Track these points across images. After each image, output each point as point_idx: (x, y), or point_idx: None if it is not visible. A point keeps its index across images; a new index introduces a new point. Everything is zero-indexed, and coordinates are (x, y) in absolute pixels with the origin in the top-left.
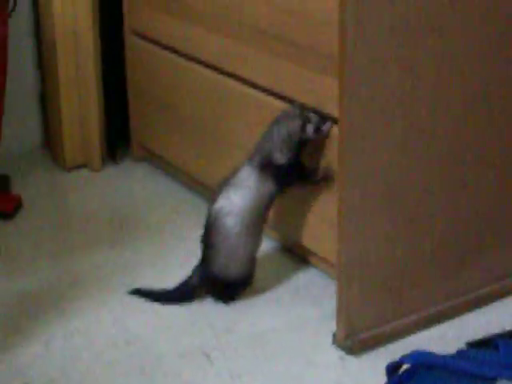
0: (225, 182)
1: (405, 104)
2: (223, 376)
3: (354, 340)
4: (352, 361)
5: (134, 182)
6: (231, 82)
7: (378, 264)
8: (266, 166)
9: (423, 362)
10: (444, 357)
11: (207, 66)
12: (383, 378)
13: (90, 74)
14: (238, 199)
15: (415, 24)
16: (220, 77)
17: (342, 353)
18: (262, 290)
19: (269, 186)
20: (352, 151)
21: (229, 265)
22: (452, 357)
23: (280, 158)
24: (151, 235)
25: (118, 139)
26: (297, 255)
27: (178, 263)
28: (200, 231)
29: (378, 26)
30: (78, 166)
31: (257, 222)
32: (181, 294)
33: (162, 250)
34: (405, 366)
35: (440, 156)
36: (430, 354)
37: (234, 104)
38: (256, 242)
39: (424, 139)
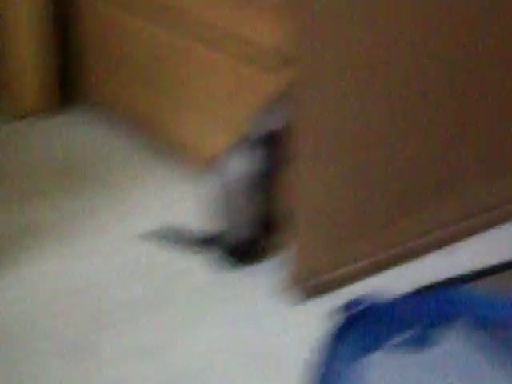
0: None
1: (359, 49)
2: (167, 327)
3: (304, 286)
4: (301, 307)
5: (82, 129)
6: (174, 30)
7: (329, 209)
8: (255, 139)
9: (368, 307)
10: (386, 302)
11: (144, 14)
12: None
13: (41, 18)
14: (228, 168)
15: None
16: (160, 24)
17: (292, 297)
18: None
19: (254, 159)
20: (305, 95)
21: (230, 227)
22: (394, 302)
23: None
24: (99, 183)
25: (71, 87)
26: None
27: (126, 211)
28: (149, 180)
29: None
30: (30, 114)
31: (246, 194)
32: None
33: (110, 198)
34: (349, 311)
35: (393, 101)
36: (374, 299)
37: (177, 49)
38: (254, 208)
39: (378, 84)
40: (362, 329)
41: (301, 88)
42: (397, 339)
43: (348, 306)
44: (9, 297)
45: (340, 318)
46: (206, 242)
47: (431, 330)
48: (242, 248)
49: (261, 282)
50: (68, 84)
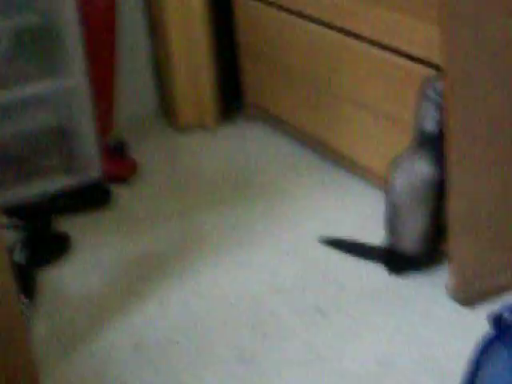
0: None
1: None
2: (338, 333)
3: (468, 291)
4: (466, 312)
5: (247, 141)
6: (339, 36)
7: (489, 215)
8: (421, 141)
9: None
10: None
11: (313, 20)
12: None
13: (200, 34)
14: (397, 179)
15: None
16: (327, 31)
17: (456, 304)
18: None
19: (423, 164)
20: (459, 101)
21: (396, 238)
22: None
23: (432, 124)
24: (264, 194)
25: (231, 99)
26: None
27: (290, 222)
28: (314, 188)
29: None
30: (193, 128)
31: (419, 201)
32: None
33: (275, 209)
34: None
35: None
36: None
37: (343, 58)
38: (423, 222)
39: None
40: None
41: (451, 97)
42: None
43: (499, 314)
44: (173, 307)
45: (490, 329)
46: (376, 252)
47: None
48: (410, 259)
49: (426, 290)
50: (228, 97)
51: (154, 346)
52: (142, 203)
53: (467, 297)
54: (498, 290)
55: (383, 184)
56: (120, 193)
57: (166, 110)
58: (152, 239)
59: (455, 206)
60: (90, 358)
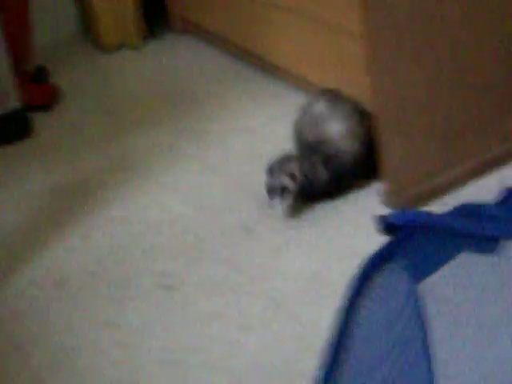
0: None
1: None
2: (265, 250)
3: (402, 196)
4: None
5: (174, 56)
6: None
7: (419, 113)
8: None
9: (412, 222)
10: (435, 216)
11: None
12: None
13: None
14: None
15: None
16: None
17: (391, 211)
18: None
19: None
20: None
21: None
22: (446, 215)
23: None
24: (195, 109)
25: (155, 13)
26: None
27: (218, 140)
28: (245, 101)
29: None
30: (118, 47)
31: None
32: None
33: (206, 124)
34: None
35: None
36: (418, 214)
37: None
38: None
39: None
40: (417, 246)
41: None
42: (461, 252)
43: (390, 222)
44: (97, 238)
45: (384, 236)
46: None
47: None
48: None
49: (360, 200)
50: (152, 13)
51: (77, 280)
52: (66, 130)
53: (402, 202)
54: (435, 193)
55: (314, 90)
56: (43, 120)
57: (89, 30)
58: (75, 168)
59: (381, 107)
60: (10, 296)
